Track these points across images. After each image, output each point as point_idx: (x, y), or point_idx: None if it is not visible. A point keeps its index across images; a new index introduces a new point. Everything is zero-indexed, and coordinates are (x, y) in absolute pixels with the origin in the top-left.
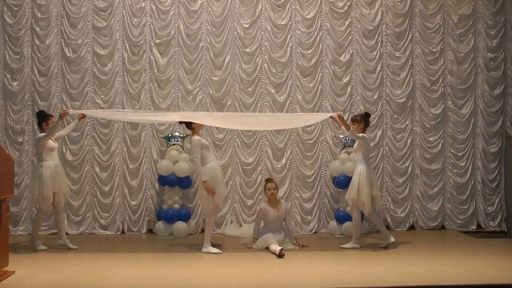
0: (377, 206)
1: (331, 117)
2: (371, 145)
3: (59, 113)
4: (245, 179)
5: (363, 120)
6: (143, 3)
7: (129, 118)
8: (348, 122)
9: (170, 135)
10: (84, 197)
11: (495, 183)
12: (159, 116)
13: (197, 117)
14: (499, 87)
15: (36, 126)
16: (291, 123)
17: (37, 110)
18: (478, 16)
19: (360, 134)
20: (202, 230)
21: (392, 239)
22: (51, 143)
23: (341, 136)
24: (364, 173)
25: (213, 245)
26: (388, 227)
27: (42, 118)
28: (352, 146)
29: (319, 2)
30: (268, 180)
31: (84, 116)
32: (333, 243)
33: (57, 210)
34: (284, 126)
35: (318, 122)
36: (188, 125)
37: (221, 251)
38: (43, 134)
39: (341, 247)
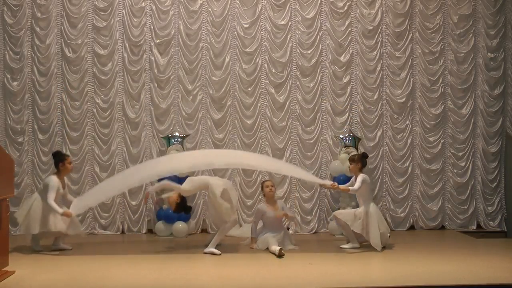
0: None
1: (322, 185)
2: (371, 145)
3: (61, 213)
4: (245, 179)
5: (361, 160)
6: (143, 3)
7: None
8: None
9: (170, 135)
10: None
11: (495, 183)
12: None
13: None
14: (499, 87)
15: (36, 126)
16: (285, 171)
17: (37, 110)
18: (478, 16)
19: (358, 182)
20: (202, 230)
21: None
22: (61, 189)
23: (341, 136)
24: (370, 211)
25: None
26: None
27: (59, 158)
28: (352, 146)
29: (319, 2)
30: (265, 180)
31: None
32: (333, 243)
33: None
34: (276, 171)
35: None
36: None
37: (219, 252)
38: (51, 199)
39: (341, 247)
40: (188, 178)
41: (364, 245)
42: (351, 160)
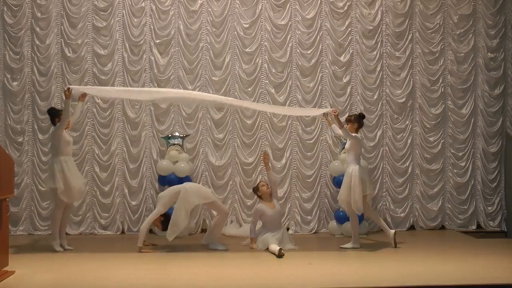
0: (371, 204)
1: (324, 114)
2: (371, 145)
3: (64, 92)
4: (245, 179)
5: (357, 120)
6: (143, 3)
7: (128, 96)
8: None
9: (170, 135)
10: (84, 197)
11: (495, 183)
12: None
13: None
14: (499, 87)
15: (36, 126)
16: (284, 111)
17: (37, 110)
18: (478, 16)
19: (353, 134)
20: (202, 230)
21: (392, 231)
22: (67, 136)
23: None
24: (355, 173)
25: None
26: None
27: (54, 114)
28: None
29: (319, 2)
30: (259, 181)
31: (84, 95)
32: (333, 243)
33: (68, 208)
34: (276, 111)
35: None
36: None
37: (226, 248)
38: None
39: (341, 247)
40: (158, 197)
41: (364, 245)
42: (348, 120)
